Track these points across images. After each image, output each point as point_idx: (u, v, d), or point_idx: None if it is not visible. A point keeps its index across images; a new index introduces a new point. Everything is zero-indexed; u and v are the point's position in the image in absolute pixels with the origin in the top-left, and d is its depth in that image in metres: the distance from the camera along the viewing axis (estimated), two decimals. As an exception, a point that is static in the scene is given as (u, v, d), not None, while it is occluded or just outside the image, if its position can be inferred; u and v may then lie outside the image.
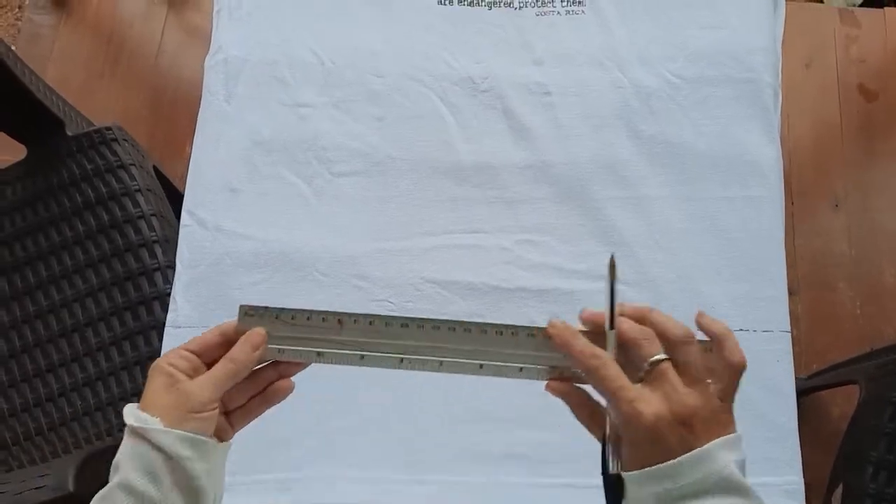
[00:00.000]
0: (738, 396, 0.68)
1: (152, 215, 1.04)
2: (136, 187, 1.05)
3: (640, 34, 0.86)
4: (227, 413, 0.52)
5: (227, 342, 0.50)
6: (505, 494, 0.69)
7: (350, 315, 0.52)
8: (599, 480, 0.70)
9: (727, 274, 0.77)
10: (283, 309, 0.52)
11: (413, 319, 0.52)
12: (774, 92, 0.82)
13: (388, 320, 0.52)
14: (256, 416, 0.54)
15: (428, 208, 0.81)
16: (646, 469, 0.42)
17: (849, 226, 1.49)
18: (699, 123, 0.82)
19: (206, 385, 0.48)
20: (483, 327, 0.52)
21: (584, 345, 0.46)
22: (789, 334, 0.75)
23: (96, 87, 1.68)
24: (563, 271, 0.78)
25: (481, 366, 0.52)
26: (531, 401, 0.74)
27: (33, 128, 1.10)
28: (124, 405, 1.03)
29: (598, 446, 0.71)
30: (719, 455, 0.42)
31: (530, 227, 0.80)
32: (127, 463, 0.46)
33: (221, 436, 0.51)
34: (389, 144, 0.84)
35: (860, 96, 1.60)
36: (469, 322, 0.52)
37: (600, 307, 0.75)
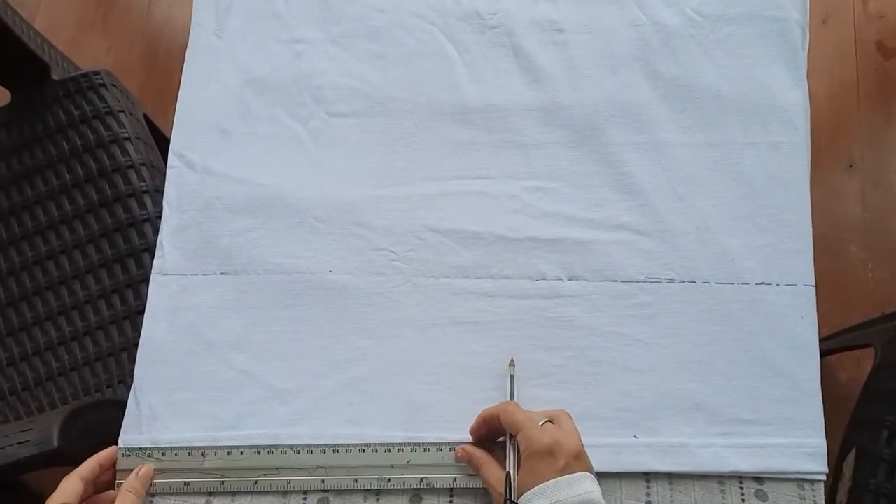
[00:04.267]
0: (757, 353, 0.68)
1: (142, 164, 1.00)
2: (125, 135, 1.01)
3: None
4: None
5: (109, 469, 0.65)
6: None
7: (212, 448, 0.65)
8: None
9: (749, 225, 0.72)
10: (154, 448, 0.65)
11: (275, 447, 0.64)
12: (803, 31, 0.76)
13: (243, 449, 0.64)
14: None
15: (431, 152, 0.76)
16: (538, 486, 0.54)
17: (863, 188, 1.45)
18: (722, 64, 0.76)
19: None
20: (349, 447, 0.64)
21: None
22: (814, 289, 0.70)
23: (88, 37, 1.62)
24: (575, 220, 0.72)
25: (356, 480, 0.63)
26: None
27: (17, 72, 1.05)
28: (113, 359, 0.99)
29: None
30: (588, 482, 0.55)
31: (540, 173, 0.74)
32: None
33: None
34: (390, 84, 0.78)
35: (878, 53, 1.55)
36: (335, 444, 0.64)
37: (615, 259, 0.71)
